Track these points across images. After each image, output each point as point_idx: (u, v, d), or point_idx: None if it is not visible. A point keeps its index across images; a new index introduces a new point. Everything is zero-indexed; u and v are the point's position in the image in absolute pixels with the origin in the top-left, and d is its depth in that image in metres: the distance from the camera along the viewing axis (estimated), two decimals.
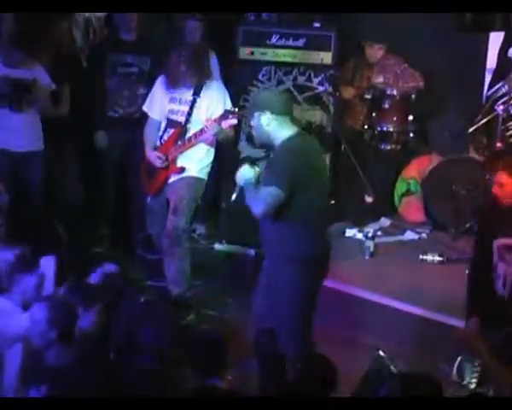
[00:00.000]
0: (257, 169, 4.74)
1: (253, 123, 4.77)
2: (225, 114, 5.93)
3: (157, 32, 7.02)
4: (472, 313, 5.05)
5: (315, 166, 4.78)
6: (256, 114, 4.73)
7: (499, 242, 4.97)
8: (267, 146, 4.91)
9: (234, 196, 4.85)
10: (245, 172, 4.71)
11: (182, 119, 6.11)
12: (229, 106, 6.07)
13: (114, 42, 6.84)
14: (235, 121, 6.01)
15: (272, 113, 4.70)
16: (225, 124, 5.96)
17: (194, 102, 6.08)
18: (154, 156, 6.15)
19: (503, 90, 6.85)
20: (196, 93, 6.08)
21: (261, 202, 4.63)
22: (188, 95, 6.10)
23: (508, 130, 6.68)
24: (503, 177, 4.98)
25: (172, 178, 6.18)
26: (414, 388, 3.70)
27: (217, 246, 7.14)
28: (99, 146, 6.85)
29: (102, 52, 6.84)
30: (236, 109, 6.05)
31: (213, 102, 6.07)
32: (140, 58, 6.78)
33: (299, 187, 4.65)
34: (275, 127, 4.72)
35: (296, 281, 4.72)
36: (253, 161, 5.26)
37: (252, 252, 6.77)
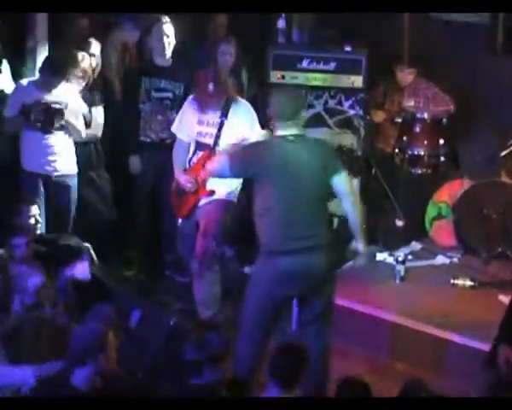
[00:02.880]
0: None
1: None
2: None
3: (191, 57, 7.04)
4: (504, 341, 4.85)
5: (283, 165, 4.92)
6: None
7: None
8: None
9: None
10: None
11: (210, 141, 6.10)
12: (257, 128, 6.07)
13: (149, 67, 6.87)
14: None
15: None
16: None
17: (221, 124, 6.06)
18: (183, 180, 6.15)
19: None
20: (223, 115, 6.06)
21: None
22: (215, 117, 6.08)
23: None
24: None
25: (202, 201, 6.16)
26: None
27: (247, 269, 7.13)
28: (132, 171, 6.88)
29: (137, 77, 6.86)
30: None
31: (241, 124, 6.06)
32: (174, 83, 6.80)
33: (259, 179, 4.95)
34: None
35: (255, 272, 5.12)
36: None
37: None
